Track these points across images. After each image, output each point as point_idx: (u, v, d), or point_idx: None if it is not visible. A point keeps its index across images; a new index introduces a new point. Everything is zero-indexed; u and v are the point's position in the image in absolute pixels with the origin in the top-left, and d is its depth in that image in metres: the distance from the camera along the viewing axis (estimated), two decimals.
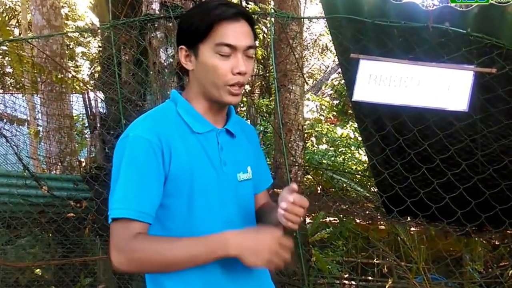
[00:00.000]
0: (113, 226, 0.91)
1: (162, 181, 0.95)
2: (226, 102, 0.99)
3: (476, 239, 2.84)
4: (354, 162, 5.47)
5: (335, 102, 8.28)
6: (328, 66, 9.50)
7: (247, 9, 1.06)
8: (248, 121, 6.43)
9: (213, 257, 0.89)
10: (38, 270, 3.22)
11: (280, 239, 0.89)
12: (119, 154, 0.95)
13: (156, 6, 2.07)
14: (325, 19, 2.05)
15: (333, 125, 7.31)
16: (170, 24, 2.08)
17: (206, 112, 1.03)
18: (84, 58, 10.54)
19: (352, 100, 1.84)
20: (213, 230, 0.94)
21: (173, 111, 1.01)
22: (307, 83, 8.03)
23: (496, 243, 3.07)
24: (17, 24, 10.04)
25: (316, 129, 6.66)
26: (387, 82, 1.74)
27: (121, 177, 0.92)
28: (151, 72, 2.22)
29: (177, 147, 0.96)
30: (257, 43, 1.11)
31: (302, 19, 2.88)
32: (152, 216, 0.93)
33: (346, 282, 3.26)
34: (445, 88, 1.67)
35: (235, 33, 0.95)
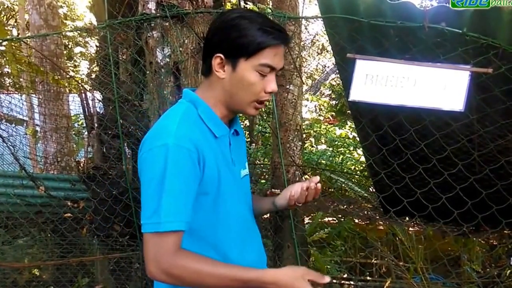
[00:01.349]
0: (152, 237, 0.91)
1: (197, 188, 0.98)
2: (248, 114, 1.06)
3: (474, 239, 2.84)
4: (353, 162, 5.47)
5: (334, 102, 8.29)
6: (325, 66, 9.50)
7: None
8: (247, 121, 6.44)
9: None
10: (36, 270, 3.21)
11: (307, 276, 0.94)
12: (159, 163, 0.92)
13: (152, 5, 2.06)
14: (321, 18, 2.04)
15: (331, 125, 7.31)
16: (167, 24, 2.07)
17: (223, 117, 1.06)
18: (83, 58, 10.53)
19: (349, 100, 1.83)
20: (231, 228, 1.04)
21: (195, 115, 1.03)
22: (304, 83, 8.02)
23: (494, 243, 3.07)
24: (15, 24, 10.01)
25: (315, 129, 6.67)
26: (383, 82, 1.74)
27: (167, 189, 0.91)
28: (148, 72, 2.22)
29: (207, 153, 0.98)
30: None
31: (299, 19, 2.87)
32: (190, 224, 0.96)
33: (345, 282, 3.25)
34: (441, 88, 1.67)
35: (278, 56, 0.98)
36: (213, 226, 1.01)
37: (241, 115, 1.29)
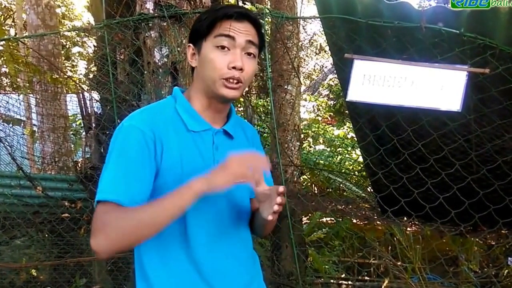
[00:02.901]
0: (96, 210, 0.89)
1: (153, 171, 0.96)
2: (221, 95, 1.00)
3: (472, 239, 2.85)
4: (351, 162, 5.48)
5: (332, 102, 8.30)
6: (323, 66, 9.51)
7: (244, 8, 1.07)
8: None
9: (184, 202, 0.87)
10: (33, 271, 3.20)
11: (242, 155, 0.89)
12: (112, 142, 0.97)
13: (150, 5, 2.06)
14: (319, 19, 2.04)
15: (329, 125, 7.32)
16: (164, 24, 2.07)
17: (204, 110, 1.04)
18: (81, 58, 10.50)
19: (347, 100, 1.84)
20: (203, 227, 0.98)
21: (171, 107, 1.03)
22: (302, 84, 8.03)
23: (492, 243, 3.08)
24: (12, 24, 9.98)
25: (313, 129, 6.67)
26: (381, 82, 1.74)
27: (110, 163, 0.93)
28: (146, 72, 2.21)
29: (170, 142, 0.97)
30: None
31: (297, 19, 2.87)
32: (138, 203, 0.92)
33: (343, 282, 3.26)
34: (439, 88, 1.68)
35: (235, 28, 0.98)
36: (181, 228, 0.97)
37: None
